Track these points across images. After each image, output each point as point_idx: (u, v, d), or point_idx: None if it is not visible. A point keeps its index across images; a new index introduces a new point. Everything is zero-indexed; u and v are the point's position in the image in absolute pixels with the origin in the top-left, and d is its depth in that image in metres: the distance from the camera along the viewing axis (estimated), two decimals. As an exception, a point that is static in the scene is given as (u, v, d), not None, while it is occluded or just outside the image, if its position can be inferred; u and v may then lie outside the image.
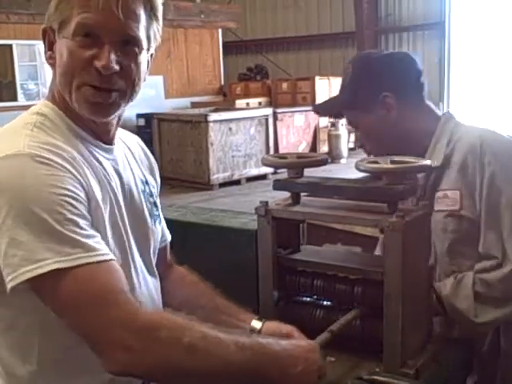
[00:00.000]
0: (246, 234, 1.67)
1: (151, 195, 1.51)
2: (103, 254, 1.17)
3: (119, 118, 1.40)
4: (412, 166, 1.53)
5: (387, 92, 1.78)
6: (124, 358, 1.11)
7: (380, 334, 1.48)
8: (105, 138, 1.37)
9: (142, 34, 1.28)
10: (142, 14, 1.28)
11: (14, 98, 12.23)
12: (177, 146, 11.21)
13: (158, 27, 1.34)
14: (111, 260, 1.18)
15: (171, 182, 10.92)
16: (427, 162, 1.59)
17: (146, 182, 1.51)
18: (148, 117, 11.83)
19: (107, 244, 1.25)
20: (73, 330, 1.16)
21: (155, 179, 1.58)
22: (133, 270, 1.38)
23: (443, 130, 1.80)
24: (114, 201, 1.33)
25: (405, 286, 1.42)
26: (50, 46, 1.31)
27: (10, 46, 12.59)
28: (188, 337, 1.14)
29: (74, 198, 1.18)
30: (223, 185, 10.85)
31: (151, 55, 1.38)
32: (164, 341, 1.13)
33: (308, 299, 1.67)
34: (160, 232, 1.55)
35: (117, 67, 1.25)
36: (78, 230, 1.16)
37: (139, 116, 12.09)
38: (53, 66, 1.31)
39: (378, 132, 1.83)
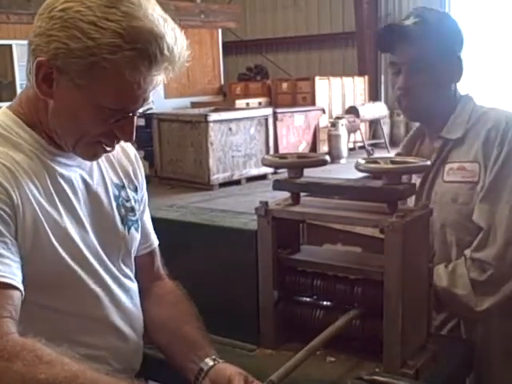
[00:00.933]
0: (246, 234, 1.67)
1: (127, 200, 1.46)
2: (1, 276, 1.13)
3: None
4: (412, 166, 1.53)
5: (459, 54, 1.86)
6: None
7: (380, 334, 1.48)
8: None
9: None
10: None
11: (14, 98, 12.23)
12: (177, 146, 11.21)
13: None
14: (9, 285, 1.14)
15: (171, 182, 10.93)
16: (427, 162, 1.59)
17: (123, 187, 1.46)
18: (148, 117, 11.83)
19: (56, 256, 1.24)
20: None
21: (137, 179, 1.52)
22: (93, 279, 1.35)
23: (464, 107, 1.86)
24: (65, 210, 1.30)
25: (405, 286, 1.42)
26: (45, 78, 1.21)
27: (10, 46, 12.60)
28: (44, 374, 1.07)
29: None
30: (223, 185, 10.85)
31: None
32: (14, 374, 1.06)
33: (308, 299, 1.66)
34: (137, 238, 1.50)
35: None
36: None
37: (139, 116, 12.04)
38: (46, 97, 1.24)
39: (427, 91, 1.81)
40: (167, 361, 1.51)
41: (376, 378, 1.45)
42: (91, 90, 1.20)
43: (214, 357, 1.42)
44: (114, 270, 1.43)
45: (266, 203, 1.59)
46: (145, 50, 1.17)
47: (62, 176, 1.31)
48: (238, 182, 11.05)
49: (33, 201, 1.23)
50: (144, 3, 1.20)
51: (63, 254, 1.29)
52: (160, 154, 11.39)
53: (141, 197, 1.54)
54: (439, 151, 1.84)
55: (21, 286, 1.18)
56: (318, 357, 1.58)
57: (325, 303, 1.64)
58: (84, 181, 1.36)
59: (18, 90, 12.54)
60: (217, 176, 10.79)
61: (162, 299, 1.56)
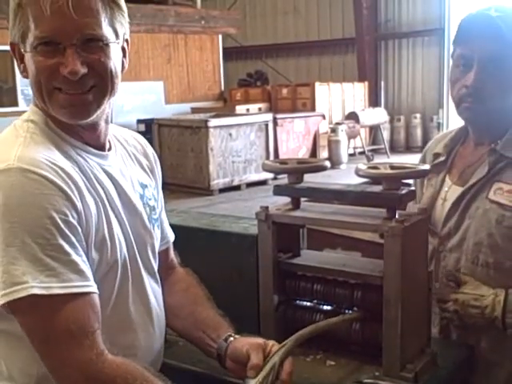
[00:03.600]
0: (247, 238, 1.68)
1: (150, 198, 1.48)
2: (80, 286, 1.16)
3: (107, 119, 1.36)
4: (411, 171, 1.54)
5: None
6: None
7: (379, 338, 1.49)
8: (95, 143, 1.34)
9: (104, 28, 1.24)
10: (100, 7, 1.23)
11: (15, 104, 12.25)
12: (177, 151, 11.22)
13: (122, 14, 1.30)
14: (89, 293, 1.18)
15: (171, 188, 10.92)
16: (426, 166, 1.60)
17: (146, 186, 1.48)
18: (148, 122, 11.86)
19: (102, 258, 1.25)
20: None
21: (155, 178, 1.54)
22: (132, 278, 1.37)
23: None
24: (111, 212, 1.31)
25: (404, 291, 1.43)
26: (21, 59, 1.29)
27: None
28: None
29: (62, 220, 1.16)
30: (223, 190, 10.86)
31: (127, 41, 1.35)
32: None
33: (308, 303, 1.67)
34: (159, 235, 1.52)
35: (84, 70, 1.23)
36: (60, 255, 1.14)
37: (139, 121, 12.11)
38: (27, 78, 1.28)
39: (495, 95, 1.67)
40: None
41: (375, 381, 1.46)
42: (25, 36, 1.23)
43: (226, 335, 1.45)
44: (149, 268, 1.44)
45: (267, 208, 1.60)
46: None
47: (99, 178, 1.31)
48: (238, 188, 11.06)
49: (88, 203, 1.24)
50: None
51: (117, 255, 1.31)
52: (160, 160, 11.27)
53: (159, 195, 1.56)
54: (491, 166, 1.71)
55: (96, 289, 1.20)
56: (318, 360, 1.59)
57: (325, 307, 1.65)
58: (115, 183, 1.36)
59: (19, 96, 12.56)
60: (217, 181, 10.79)
61: (173, 287, 1.59)
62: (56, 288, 1.13)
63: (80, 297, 1.16)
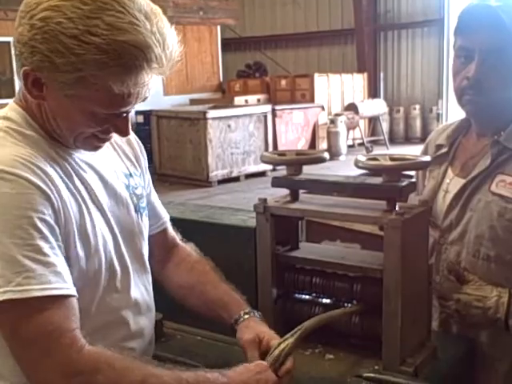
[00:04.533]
0: (245, 231, 1.67)
1: (136, 187, 1.46)
2: (59, 289, 1.13)
3: None
4: (411, 162, 1.53)
5: None
6: None
7: (379, 331, 1.47)
8: None
9: None
10: None
11: (13, 95, 12.12)
12: (175, 142, 11.20)
13: None
14: (68, 296, 1.15)
15: (170, 179, 10.92)
16: (426, 158, 1.58)
17: (130, 175, 1.45)
18: (147, 114, 11.81)
19: (86, 254, 1.24)
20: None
21: (140, 164, 1.51)
22: (121, 272, 1.35)
23: None
24: (94, 208, 1.29)
25: (404, 284, 1.42)
26: (35, 84, 1.19)
27: (9, 43, 12.56)
28: (127, 381, 1.12)
29: (40, 219, 1.14)
30: (222, 182, 10.85)
31: None
32: None
33: (307, 297, 1.66)
34: (147, 224, 1.49)
35: None
36: (38, 256, 1.11)
37: (138, 113, 12.07)
38: (38, 100, 1.22)
39: (497, 86, 1.65)
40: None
41: (375, 375, 1.45)
42: (81, 99, 1.18)
43: (236, 317, 1.45)
44: (138, 259, 1.42)
45: (265, 200, 1.59)
46: (131, 64, 1.14)
47: (80, 173, 1.30)
48: (236, 179, 11.05)
49: (67, 201, 1.22)
50: (128, 5, 1.14)
51: (102, 250, 1.29)
52: (159, 151, 11.38)
53: (145, 180, 1.53)
54: (494, 157, 1.69)
55: (75, 292, 1.18)
56: (317, 354, 1.58)
57: (324, 301, 1.63)
58: (98, 172, 1.34)
59: (17, 87, 12.52)
60: (215, 173, 10.78)
61: (179, 268, 1.59)
62: (34, 291, 1.10)
63: (58, 299, 1.13)
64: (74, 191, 1.26)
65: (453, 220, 1.75)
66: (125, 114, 1.25)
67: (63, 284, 1.15)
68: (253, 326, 1.42)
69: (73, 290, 1.17)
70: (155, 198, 1.58)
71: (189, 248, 1.64)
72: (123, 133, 1.28)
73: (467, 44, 1.67)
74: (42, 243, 1.13)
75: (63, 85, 1.16)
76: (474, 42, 1.64)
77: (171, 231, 1.64)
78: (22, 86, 1.26)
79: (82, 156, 1.32)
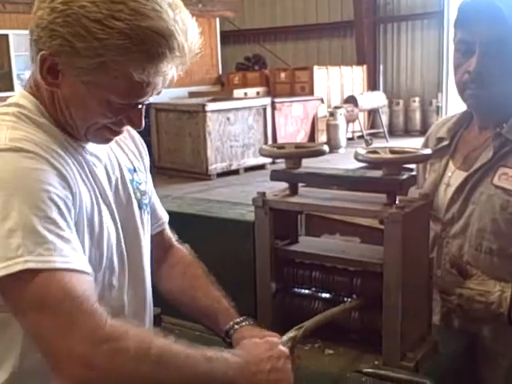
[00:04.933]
0: (244, 225, 1.65)
1: (140, 183, 1.44)
2: (79, 264, 1.11)
3: None
4: (412, 155, 1.51)
5: None
6: (82, 373, 1.03)
7: (379, 326, 1.46)
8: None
9: None
10: None
11: (11, 88, 12.18)
12: (174, 135, 11.18)
13: None
14: (87, 273, 1.12)
15: (169, 172, 10.91)
16: (427, 151, 1.56)
17: (134, 170, 1.44)
18: (146, 106, 11.78)
19: (92, 247, 1.22)
20: (30, 336, 1.09)
21: (144, 161, 1.49)
22: (118, 268, 1.33)
23: None
24: (103, 203, 1.28)
25: (404, 278, 1.40)
26: (50, 70, 1.16)
27: (7, 36, 12.52)
28: (155, 348, 1.09)
29: (58, 197, 1.12)
30: (221, 175, 10.84)
31: None
32: (130, 353, 1.06)
33: (306, 291, 1.64)
34: (148, 221, 1.47)
35: None
36: (57, 230, 1.09)
37: (137, 106, 12.04)
38: (52, 88, 1.20)
39: (499, 80, 1.62)
40: None
41: (375, 371, 1.43)
42: (98, 86, 1.16)
43: (226, 329, 1.42)
44: (130, 262, 1.39)
45: (264, 194, 1.57)
46: (154, 51, 1.13)
47: (90, 165, 1.28)
48: (236, 172, 11.04)
49: (81, 190, 1.21)
50: None
51: (103, 247, 1.27)
52: (158, 144, 11.36)
53: (148, 178, 1.51)
54: (496, 150, 1.66)
55: (91, 272, 1.16)
56: (317, 349, 1.56)
57: (323, 295, 1.62)
58: (106, 169, 1.33)
59: (15, 80, 12.48)
60: (215, 166, 10.76)
61: (173, 271, 1.57)
62: (55, 262, 1.07)
63: (79, 273, 1.10)
64: (87, 182, 1.24)
65: (455, 213, 1.73)
66: (140, 106, 1.24)
67: (82, 261, 1.12)
68: (248, 335, 1.37)
69: (90, 269, 1.15)
70: (155, 198, 1.57)
71: (184, 250, 1.62)
72: (136, 125, 1.26)
73: (467, 37, 1.64)
74: (60, 219, 1.11)
75: (81, 70, 1.14)
76: (475, 35, 1.62)
77: (168, 232, 1.62)
78: (33, 73, 1.24)
79: (91, 149, 1.30)
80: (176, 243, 1.63)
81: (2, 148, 1.11)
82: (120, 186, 1.36)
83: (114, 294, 1.34)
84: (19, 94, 1.27)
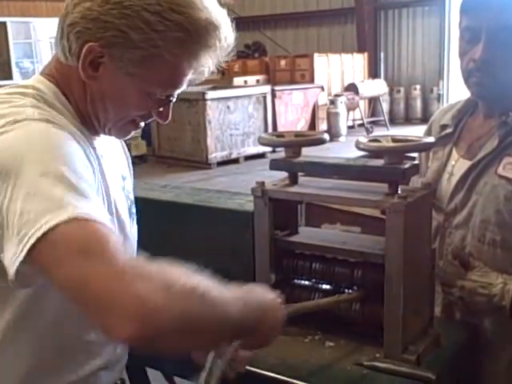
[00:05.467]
0: (243, 215, 1.63)
1: (129, 191, 1.41)
2: (108, 222, 1.06)
3: None
4: (414, 144, 1.48)
5: None
6: (138, 313, 0.94)
7: (380, 318, 1.44)
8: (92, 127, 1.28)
9: None
10: None
11: (10, 77, 12.14)
12: (174, 124, 11.12)
13: None
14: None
15: (169, 161, 10.88)
16: (430, 139, 1.53)
17: (125, 178, 1.41)
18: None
19: None
20: (72, 288, 1.00)
21: (130, 171, 1.47)
22: None
23: None
24: (105, 196, 1.25)
25: (406, 269, 1.38)
26: (92, 62, 1.16)
27: (5, 24, 12.45)
28: (201, 286, 1.02)
29: (87, 168, 1.12)
30: (221, 163, 10.80)
31: None
32: (181, 290, 0.99)
33: (306, 282, 1.62)
34: (136, 232, 1.42)
35: None
36: (91, 192, 1.07)
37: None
38: (90, 81, 1.19)
39: (506, 68, 1.59)
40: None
41: (376, 364, 1.41)
42: (142, 78, 1.18)
43: None
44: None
45: (263, 183, 1.54)
46: (207, 42, 1.17)
47: (100, 160, 1.26)
48: (236, 161, 11.00)
49: (97, 178, 1.19)
50: None
51: None
52: (157, 133, 11.31)
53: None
54: (501, 139, 1.63)
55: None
56: (317, 341, 1.55)
57: (324, 286, 1.59)
58: (108, 171, 1.30)
59: (14, 68, 12.42)
60: (215, 155, 10.73)
61: None
62: (96, 215, 1.02)
63: (113, 232, 1.06)
64: (99, 173, 1.22)
65: (458, 203, 1.70)
66: (172, 99, 1.26)
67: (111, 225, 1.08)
68: None
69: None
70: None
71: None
72: (164, 118, 1.28)
73: (474, 23, 1.60)
74: (91, 184, 1.10)
75: (129, 62, 1.15)
76: (481, 21, 1.58)
77: None
78: (52, 60, 1.24)
79: (97, 145, 1.28)
80: None
81: (36, 118, 1.10)
82: (117, 191, 1.33)
83: None
84: (35, 79, 1.24)
